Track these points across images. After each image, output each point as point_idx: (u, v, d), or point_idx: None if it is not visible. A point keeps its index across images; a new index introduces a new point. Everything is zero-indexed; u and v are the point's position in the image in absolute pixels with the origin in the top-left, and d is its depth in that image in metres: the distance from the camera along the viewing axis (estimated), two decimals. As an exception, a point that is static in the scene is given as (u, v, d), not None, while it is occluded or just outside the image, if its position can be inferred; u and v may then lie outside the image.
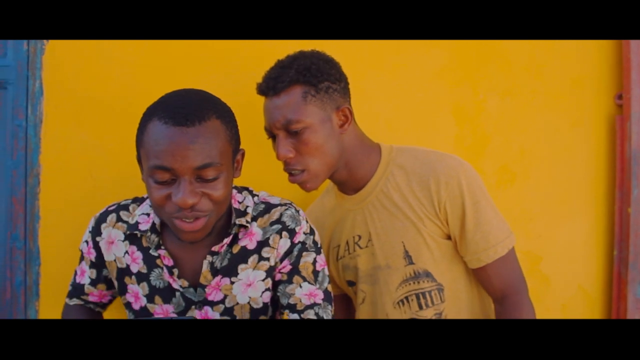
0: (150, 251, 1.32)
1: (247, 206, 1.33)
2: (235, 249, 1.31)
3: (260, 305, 1.34)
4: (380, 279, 1.49)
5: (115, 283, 1.38)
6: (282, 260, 1.32)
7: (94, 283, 1.41)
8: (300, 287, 1.30)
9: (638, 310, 1.75)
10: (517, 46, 1.82)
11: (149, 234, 1.31)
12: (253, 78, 1.49)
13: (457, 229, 1.42)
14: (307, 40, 1.59)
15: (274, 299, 1.37)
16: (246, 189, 1.39)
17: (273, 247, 1.31)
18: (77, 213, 1.60)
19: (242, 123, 1.64)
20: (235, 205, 1.32)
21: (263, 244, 1.31)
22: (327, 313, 1.32)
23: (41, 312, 1.64)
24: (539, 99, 1.83)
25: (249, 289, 1.32)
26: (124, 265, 1.35)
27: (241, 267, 1.31)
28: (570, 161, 1.84)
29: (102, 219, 1.37)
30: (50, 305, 1.61)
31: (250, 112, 1.61)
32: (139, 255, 1.33)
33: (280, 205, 1.34)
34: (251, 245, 1.31)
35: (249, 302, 1.32)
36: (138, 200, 1.39)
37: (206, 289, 1.31)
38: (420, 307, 1.46)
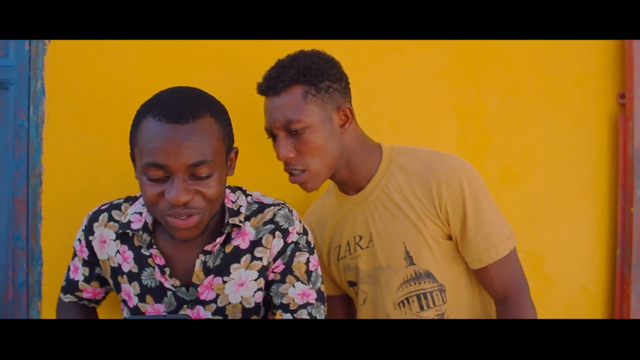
0: (142, 250, 1.32)
1: (240, 206, 1.33)
2: (228, 249, 1.31)
3: (253, 305, 1.33)
4: (381, 280, 1.49)
5: (110, 281, 1.38)
6: (275, 260, 1.32)
7: (87, 280, 1.41)
8: (294, 286, 1.30)
9: (641, 310, 1.75)
10: (519, 46, 1.82)
11: (140, 232, 1.30)
12: (253, 78, 1.48)
13: (458, 230, 1.42)
14: (307, 40, 1.58)
15: (266, 299, 1.36)
16: (239, 188, 1.39)
17: (266, 247, 1.31)
18: (80, 213, 1.59)
19: (242, 123, 1.64)
20: (229, 204, 1.32)
21: (256, 243, 1.31)
22: (320, 313, 1.31)
23: (43, 313, 1.64)
24: (541, 98, 1.83)
25: (241, 288, 1.31)
26: (116, 265, 1.35)
27: (234, 266, 1.31)
28: (572, 161, 1.83)
29: (94, 217, 1.37)
30: (53, 305, 1.61)
31: (250, 112, 1.61)
32: (129, 254, 1.33)
33: (274, 205, 1.34)
34: (244, 245, 1.31)
35: (241, 302, 1.32)
36: (130, 199, 1.38)
37: (198, 288, 1.30)
38: (422, 308, 1.45)
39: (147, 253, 1.31)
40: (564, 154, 1.83)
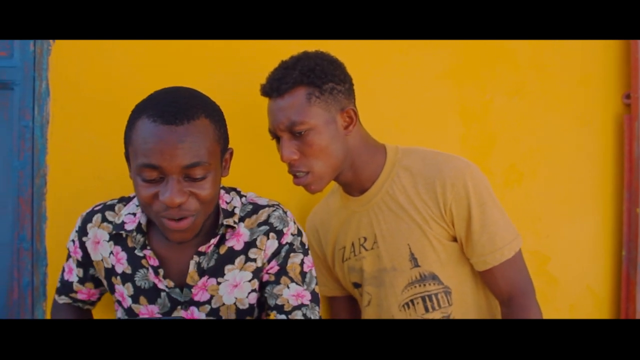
0: (136, 251, 1.31)
1: (234, 207, 1.32)
2: (222, 250, 1.31)
3: (247, 306, 1.33)
4: (385, 281, 1.48)
5: (105, 282, 1.38)
6: (269, 261, 1.31)
7: (81, 281, 1.41)
8: (288, 288, 1.30)
9: (647, 310, 1.75)
10: (524, 45, 1.81)
11: (134, 233, 1.30)
12: (257, 79, 1.48)
13: (463, 231, 1.41)
14: (311, 41, 1.58)
15: (260, 300, 1.36)
16: (234, 189, 1.38)
17: (260, 249, 1.31)
18: (84, 214, 1.60)
19: (246, 124, 1.64)
20: (223, 205, 1.31)
21: (250, 245, 1.31)
22: (315, 314, 1.31)
23: (49, 313, 1.64)
24: (546, 98, 1.82)
25: (235, 289, 1.31)
26: (110, 266, 1.35)
27: (228, 267, 1.30)
28: (578, 161, 1.83)
29: (88, 218, 1.36)
30: (57, 305, 1.62)
31: (254, 113, 1.61)
32: (123, 255, 1.33)
33: (268, 206, 1.34)
34: (238, 246, 1.31)
35: (235, 303, 1.32)
36: (124, 200, 1.38)
37: (192, 290, 1.30)
38: (427, 310, 1.45)
39: (140, 254, 1.31)
40: (569, 154, 1.83)
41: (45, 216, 1.61)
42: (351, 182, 1.49)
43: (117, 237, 1.33)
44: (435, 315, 1.45)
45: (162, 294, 1.32)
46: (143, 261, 1.31)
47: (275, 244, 1.31)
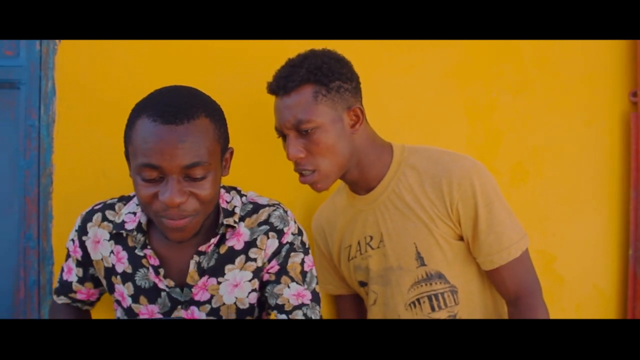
0: (136, 251, 1.31)
1: (235, 206, 1.32)
2: (223, 249, 1.30)
3: (247, 306, 1.33)
4: (392, 280, 1.48)
5: (104, 282, 1.37)
6: (269, 260, 1.31)
7: (81, 281, 1.41)
8: (288, 287, 1.29)
9: (654, 310, 1.74)
10: (530, 43, 1.81)
11: (135, 233, 1.30)
12: (263, 78, 1.48)
13: (469, 231, 1.41)
14: (317, 40, 1.58)
15: (261, 300, 1.36)
16: (234, 188, 1.38)
17: (260, 248, 1.30)
18: (90, 213, 1.61)
19: (252, 123, 1.64)
20: (223, 204, 1.31)
21: (250, 244, 1.30)
22: (316, 314, 1.30)
23: (53, 312, 1.64)
24: (552, 96, 1.82)
25: (235, 289, 1.31)
26: (110, 265, 1.34)
27: (228, 267, 1.30)
28: (584, 159, 1.82)
29: (88, 217, 1.36)
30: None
31: (260, 113, 1.61)
32: (124, 255, 1.33)
33: (268, 205, 1.34)
34: (238, 246, 1.31)
35: (235, 303, 1.32)
36: (124, 199, 1.38)
37: (193, 289, 1.30)
38: (433, 309, 1.45)
39: (141, 253, 1.31)
40: (575, 152, 1.82)
41: (52, 215, 1.62)
42: (357, 180, 1.49)
43: (118, 236, 1.33)
44: (442, 314, 1.45)
45: (163, 293, 1.31)
46: (143, 260, 1.31)
47: (276, 244, 1.31)
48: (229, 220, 1.28)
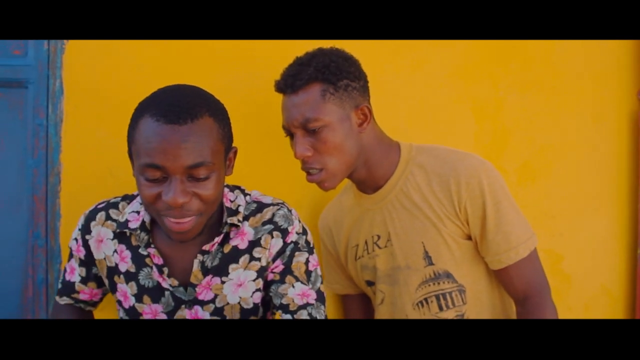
0: (140, 250, 1.30)
1: (239, 205, 1.31)
2: (227, 249, 1.30)
3: (251, 305, 1.32)
4: (399, 280, 1.48)
5: (106, 281, 1.37)
6: (274, 260, 1.30)
7: (84, 281, 1.40)
8: (293, 287, 1.29)
9: (662, 309, 1.73)
10: (537, 42, 1.80)
11: (138, 232, 1.29)
12: (269, 78, 1.48)
13: (477, 230, 1.40)
14: (323, 40, 1.58)
15: (265, 300, 1.35)
16: (238, 187, 1.37)
17: (265, 248, 1.30)
18: (98, 211, 1.61)
19: (259, 122, 1.64)
20: (227, 204, 1.30)
21: (254, 243, 1.30)
22: (320, 313, 1.30)
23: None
24: (559, 95, 1.81)
25: (239, 289, 1.30)
26: (113, 264, 1.34)
27: (232, 266, 1.30)
28: (592, 158, 1.82)
29: (91, 216, 1.36)
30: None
31: (267, 112, 1.61)
32: (127, 254, 1.32)
33: (273, 204, 1.33)
34: (242, 245, 1.30)
35: (239, 302, 1.31)
36: (128, 198, 1.38)
37: (197, 289, 1.29)
38: (441, 309, 1.44)
39: (145, 252, 1.30)
40: (583, 151, 1.82)
41: (60, 214, 1.62)
42: (365, 179, 1.48)
43: (121, 235, 1.33)
44: (449, 314, 1.44)
45: (166, 292, 1.31)
46: (147, 260, 1.31)
47: (280, 243, 1.30)
48: (233, 219, 1.28)
